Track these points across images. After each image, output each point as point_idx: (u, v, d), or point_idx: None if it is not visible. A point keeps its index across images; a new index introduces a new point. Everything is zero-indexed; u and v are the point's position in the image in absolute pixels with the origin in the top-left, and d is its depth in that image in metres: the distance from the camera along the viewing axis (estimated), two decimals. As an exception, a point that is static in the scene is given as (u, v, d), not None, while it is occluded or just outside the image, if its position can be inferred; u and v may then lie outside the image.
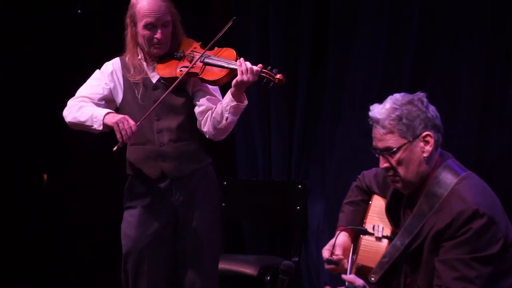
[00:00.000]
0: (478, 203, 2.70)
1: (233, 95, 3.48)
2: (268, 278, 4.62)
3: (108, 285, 4.80)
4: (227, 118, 3.50)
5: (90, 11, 5.26)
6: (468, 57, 4.54)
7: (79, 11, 5.26)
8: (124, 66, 3.68)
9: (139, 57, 3.65)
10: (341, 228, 3.05)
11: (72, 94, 3.72)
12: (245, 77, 3.43)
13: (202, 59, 3.57)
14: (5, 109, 5.28)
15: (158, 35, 3.56)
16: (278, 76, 3.47)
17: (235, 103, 3.48)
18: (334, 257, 2.93)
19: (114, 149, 3.47)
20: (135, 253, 3.63)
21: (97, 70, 3.72)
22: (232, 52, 3.58)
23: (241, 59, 3.49)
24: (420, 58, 4.65)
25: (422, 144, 2.80)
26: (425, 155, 2.80)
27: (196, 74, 3.56)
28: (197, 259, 3.64)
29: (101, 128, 3.53)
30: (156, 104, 3.53)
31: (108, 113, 3.54)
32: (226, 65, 3.52)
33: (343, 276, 2.85)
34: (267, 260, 4.81)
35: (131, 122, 3.47)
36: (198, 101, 3.62)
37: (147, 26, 3.56)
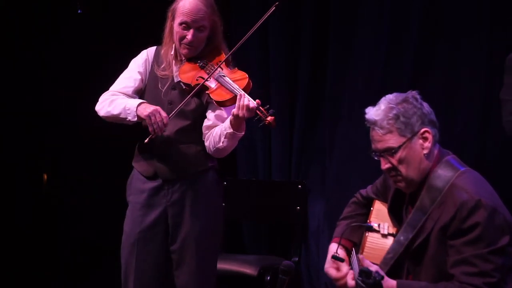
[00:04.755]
0: (480, 194, 2.72)
1: (230, 122, 3.48)
2: (268, 278, 4.62)
3: (109, 283, 4.79)
4: (223, 142, 3.52)
5: (90, 11, 5.26)
6: (468, 57, 4.55)
7: (79, 11, 5.26)
8: (156, 57, 3.68)
9: (171, 53, 3.66)
10: (336, 240, 3.05)
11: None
12: (240, 113, 3.42)
13: (216, 76, 3.56)
14: (5, 109, 5.28)
15: (189, 36, 3.55)
16: (269, 118, 3.39)
17: (231, 131, 3.48)
18: (340, 274, 2.93)
19: (146, 141, 3.49)
20: (126, 248, 3.65)
21: (132, 61, 3.73)
22: (245, 78, 3.53)
23: (243, 93, 3.44)
24: (420, 58, 4.65)
25: (421, 141, 2.81)
26: (425, 151, 2.82)
27: (207, 88, 3.56)
28: (189, 262, 3.62)
29: (135, 119, 3.52)
30: (177, 109, 3.52)
31: (140, 104, 3.53)
32: (233, 90, 3.49)
33: (359, 255, 2.85)
34: (267, 260, 4.81)
35: (163, 114, 3.47)
36: (208, 114, 3.62)
37: (181, 24, 3.55)
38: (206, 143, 3.60)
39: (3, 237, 5.29)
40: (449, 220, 2.72)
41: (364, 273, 2.62)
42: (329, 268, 2.97)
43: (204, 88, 3.56)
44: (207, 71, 3.58)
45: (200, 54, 3.64)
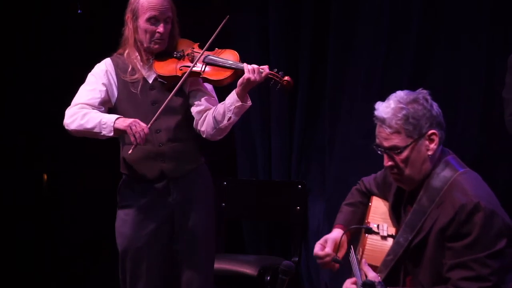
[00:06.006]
0: (478, 196, 2.71)
1: (238, 95, 3.48)
2: (268, 278, 4.61)
3: (108, 283, 4.80)
4: (229, 118, 3.50)
5: (90, 11, 5.26)
6: (468, 57, 4.55)
7: (79, 11, 5.26)
8: (116, 65, 3.65)
9: (136, 55, 3.64)
10: (338, 226, 3.05)
11: (71, 93, 3.71)
12: (252, 76, 3.44)
13: (204, 59, 3.57)
14: (5, 109, 5.27)
15: (160, 29, 3.56)
16: (286, 78, 3.50)
17: (240, 103, 3.48)
18: (321, 253, 2.95)
19: (129, 152, 3.47)
20: (131, 253, 3.63)
21: (89, 74, 3.67)
22: (235, 54, 3.59)
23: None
24: (420, 58, 4.65)
25: (427, 142, 2.80)
26: (429, 153, 2.81)
27: (198, 73, 3.56)
28: (194, 259, 3.65)
29: (111, 134, 3.49)
30: (163, 106, 3.51)
31: (118, 118, 3.50)
32: (230, 65, 3.52)
33: (361, 258, 2.85)
34: (267, 260, 4.81)
35: (142, 124, 3.45)
36: (196, 100, 3.61)
37: (150, 20, 3.56)
38: (202, 128, 3.58)
39: (3, 237, 5.28)
40: (447, 222, 2.71)
41: (368, 285, 2.62)
42: (318, 244, 2.98)
43: (195, 74, 3.55)
44: (190, 58, 3.58)
45: (167, 47, 3.64)
